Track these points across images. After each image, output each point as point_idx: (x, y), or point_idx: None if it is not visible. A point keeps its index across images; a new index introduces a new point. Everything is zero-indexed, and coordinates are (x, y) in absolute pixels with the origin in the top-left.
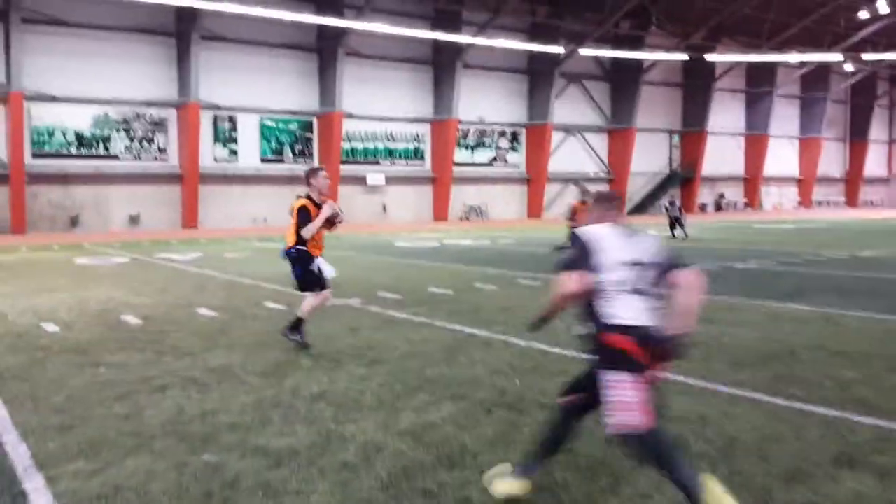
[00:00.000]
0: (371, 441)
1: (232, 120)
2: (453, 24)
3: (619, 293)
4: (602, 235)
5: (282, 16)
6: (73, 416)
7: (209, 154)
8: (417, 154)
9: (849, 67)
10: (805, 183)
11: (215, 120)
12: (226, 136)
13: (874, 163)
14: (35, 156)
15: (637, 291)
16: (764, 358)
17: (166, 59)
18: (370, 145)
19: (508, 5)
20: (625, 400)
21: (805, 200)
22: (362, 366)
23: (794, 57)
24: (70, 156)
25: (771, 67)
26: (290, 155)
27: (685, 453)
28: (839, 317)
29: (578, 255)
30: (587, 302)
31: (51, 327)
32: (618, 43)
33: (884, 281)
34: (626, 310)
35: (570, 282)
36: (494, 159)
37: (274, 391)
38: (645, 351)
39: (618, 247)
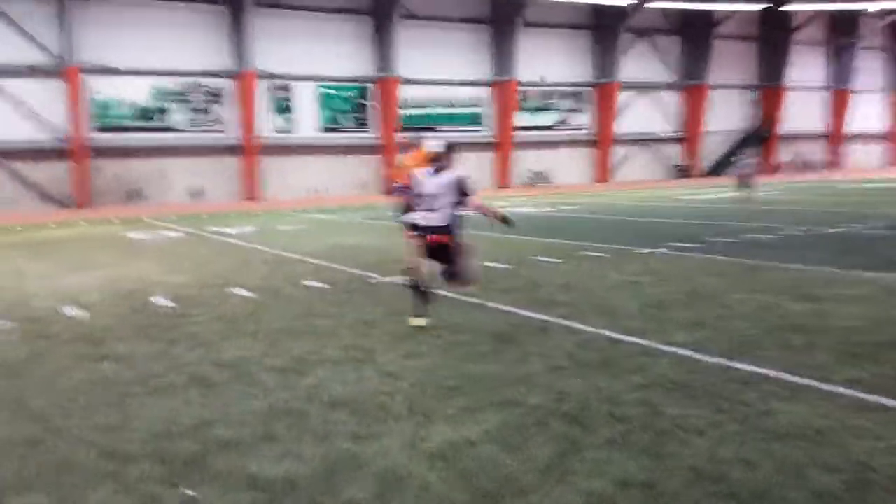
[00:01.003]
0: (392, 467)
1: (288, 89)
2: None
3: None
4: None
5: None
6: (47, 428)
7: (268, 124)
8: (477, 119)
9: (884, 7)
10: (893, 139)
11: (272, 89)
12: (283, 106)
13: None
14: (97, 129)
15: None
16: (884, 347)
17: (221, 29)
18: (430, 111)
19: None
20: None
21: (893, 158)
22: (398, 359)
23: (877, 5)
24: (130, 129)
25: (853, 17)
26: (349, 123)
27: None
28: None
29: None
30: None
31: (71, 310)
32: None
33: None
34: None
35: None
36: (559, 122)
37: (288, 394)
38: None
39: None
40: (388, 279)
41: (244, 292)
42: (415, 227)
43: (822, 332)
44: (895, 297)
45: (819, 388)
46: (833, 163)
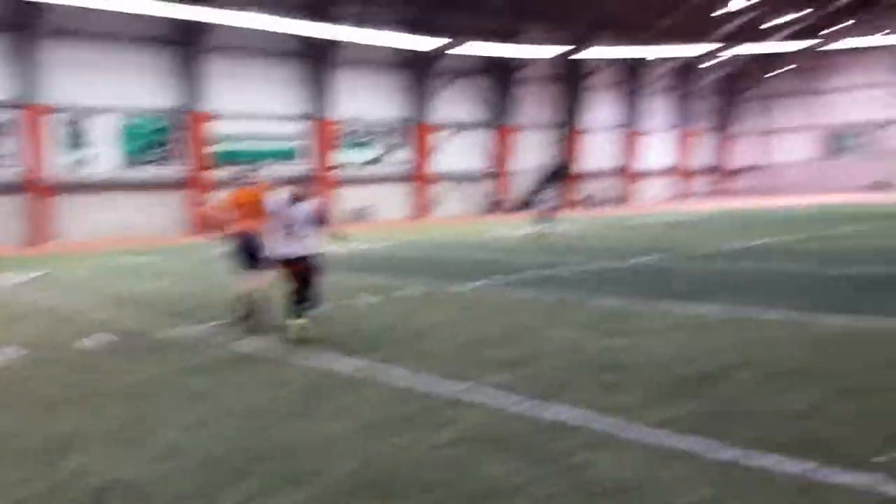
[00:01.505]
0: None
1: (84, 122)
2: (326, 17)
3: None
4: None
5: (134, 7)
6: None
7: (61, 160)
8: (295, 154)
9: (715, 61)
10: (681, 174)
11: (66, 122)
12: (78, 141)
13: (742, 153)
14: None
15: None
16: (687, 383)
17: (7, 57)
18: (246, 147)
19: None
20: None
21: (682, 192)
22: (184, 430)
23: (667, 51)
24: None
25: (645, 62)
26: (155, 158)
27: None
28: (754, 320)
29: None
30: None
31: None
32: (497, 37)
33: (785, 274)
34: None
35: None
36: (378, 158)
37: (43, 483)
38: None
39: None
40: (188, 330)
41: (8, 352)
42: (276, 258)
43: (633, 368)
44: (702, 329)
45: (623, 434)
46: (626, 198)
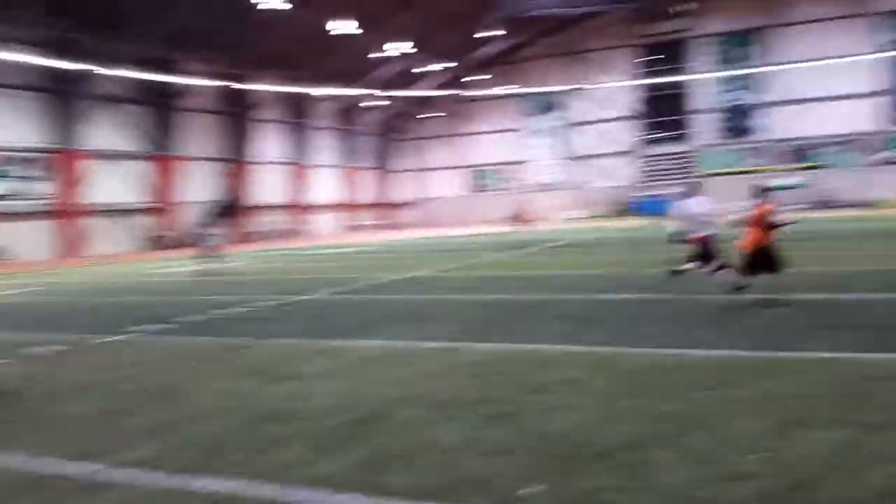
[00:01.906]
0: None
1: None
2: None
3: None
4: None
5: None
6: None
7: None
8: None
9: (375, 102)
10: (346, 208)
11: None
12: None
13: (403, 189)
14: None
15: None
16: (350, 428)
17: None
18: None
19: (25, 16)
20: None
21: (347, 225)
22: None
23: (329, 91)
24: None
25: (309, 99)
26: None
27: None
28: (416, 350)
29: None
30: None
31: None
32: (156, 66)
33: (445, 303)
34: None
35: None
36: (16, 191)
37: None
38: None
39: None
40: None
41: None
42: None
43: (297, 417)
44: (368, 365)
45: (295, 496)
46: (297, 231)
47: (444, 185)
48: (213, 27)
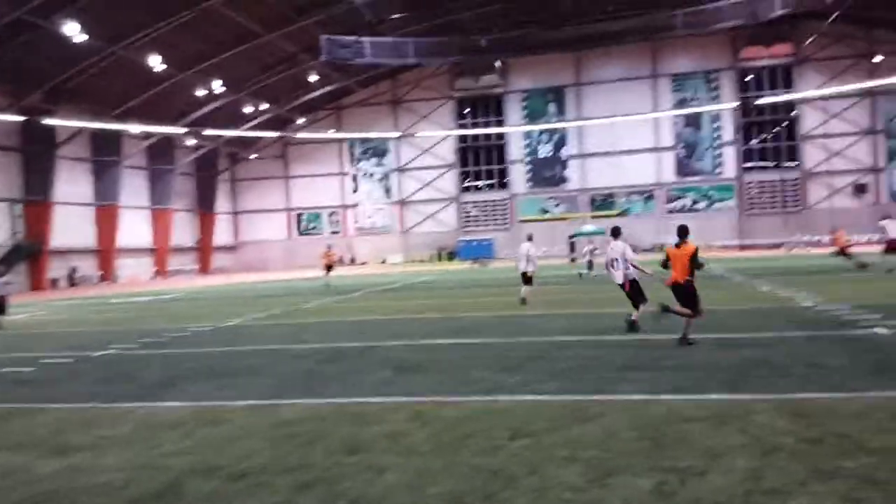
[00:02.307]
0: None
1: None
2: None
3: None
4: None
5: None
6: None
7: None
8: None
9: (192, 142)
10: (159, 253)
11: None
12: None
13: (222, 232)
14: None
15: None
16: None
17: None
18: None
19: None
20: None
21: (161, 270)
22: None
23: (137, 127)
24: None
25: (116, 137)
26: None
27: None
28: (225, 411)
29: None
30: None
31: None
32: None
33: (263, 354)
34: None
35: None
36: None
37: None
38: None
39: None
40: None
41: None
42: None
43: (78, 497)
44: (167, 430)
45: None
46: (106, 277)
47: (270, 229)
48: (10, 58)
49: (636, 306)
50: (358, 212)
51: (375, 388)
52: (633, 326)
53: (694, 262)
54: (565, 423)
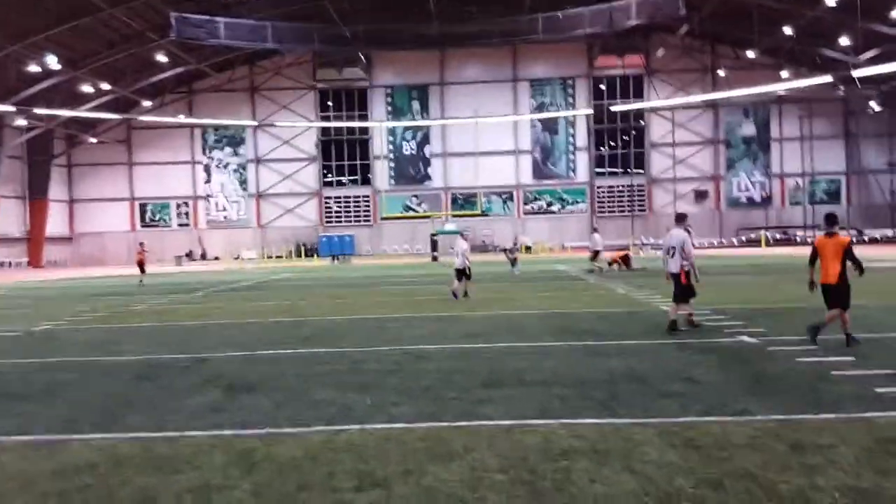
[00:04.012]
0: None
1: None
2: None
3: None
4: None
5: None
6: None
7: None
8: None
9: (22, 122)
10: (33, 242)
11: None
12: None
13: (56, 222)
14: None
15: None
16: None
17: None
18: None
19: None
20: None
21: (33, 260)
22: None
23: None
24: None
25: None
26: None
27: None
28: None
29: None
30: None
31: None
32: None
33: (67, 368)
34: None
35: None
36: None
37: None
38: None
39: None
40: None
41: None
42: None
43: None
44: None
45: None
46: None
47: (111, 219)
48: None
49: (685, 300)
50: (210, 204)
51: (196, 417)
52: (674, 327)
53: (851, 257)
54: (423, 462)
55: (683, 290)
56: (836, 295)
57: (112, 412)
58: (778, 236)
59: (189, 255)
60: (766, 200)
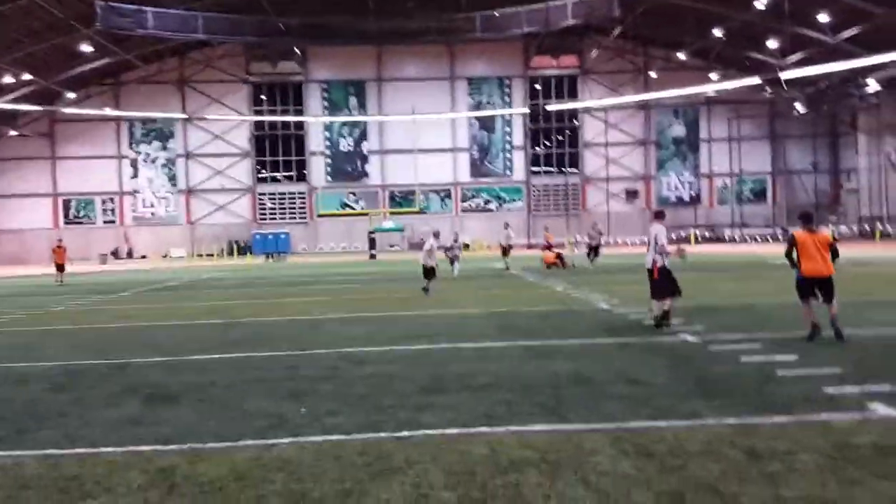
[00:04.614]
0: None
1: None
2: None
3: None
4: None
5: None
6: None
7: None
8: None
9: None
10: None
11: None
12: None
13: None
14: None
15: None
16: None
17: None
18: None
19: None
20: None
21: None
22: None
23: None
24: None
25: None
26: None
27: None
28: None
29: None
30: None
31: None
32: None
33: (1, 377)
34: None
35: None
36: None
37: None
38: None
39: None
40: None
41: None
42: None
43: None
44: None
45: None
46: None
47: (32, 216)
48: None
49: (661, 297)
50: (137, 200)
51: (112, 431)
52: (659, 322)
53: (835, 252)
54: (364, 480)
55: (655, 285)
56: (829, 287)
57: (18, 426)
58: (707, 235)
59: (115, 254)
60: (695, 200)
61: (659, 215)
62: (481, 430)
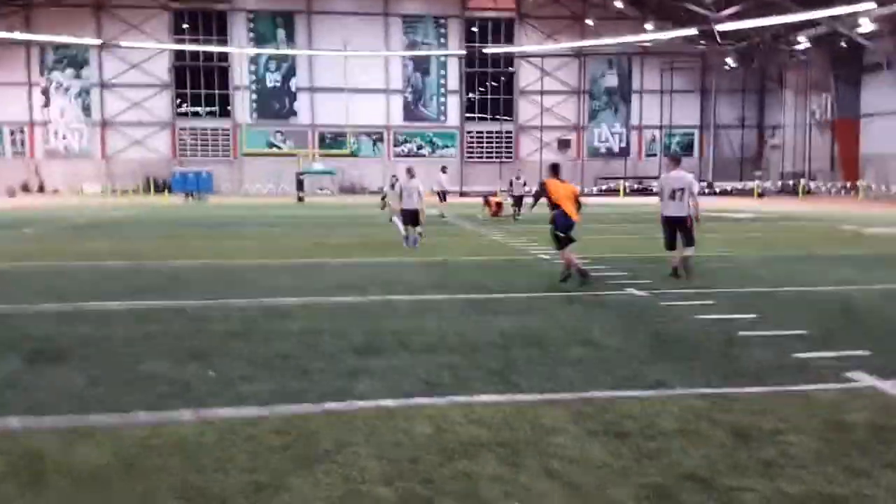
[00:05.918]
0: None
1: None
2: None
3: None
4: None
5: None
6: None
7: None
8: None
9: None
10: None
11: None
12: None
13: None
14: None
15: None
16: None
17: None
18: None
19: None
20: None
21: None
22: None
23: None
24: None
25: None
26: None
27: None
28: None
29: None
30: None
31: None
32: None
33: None
34: None
35: None
36: None
37: None
38: None
39: None
40: None
41: None
42: None
43: None
44: None
45: None
46: None
47: None
48: None
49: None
50: (49, 131)
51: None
52: (676, 273)
53: (579, 204)
54: (280, 468)
55: (689, 235)
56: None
57: None
58: (635, 186)
59: (24, 188)
60: (624, 151)
61: (677, 161)
62: (423, 401)
